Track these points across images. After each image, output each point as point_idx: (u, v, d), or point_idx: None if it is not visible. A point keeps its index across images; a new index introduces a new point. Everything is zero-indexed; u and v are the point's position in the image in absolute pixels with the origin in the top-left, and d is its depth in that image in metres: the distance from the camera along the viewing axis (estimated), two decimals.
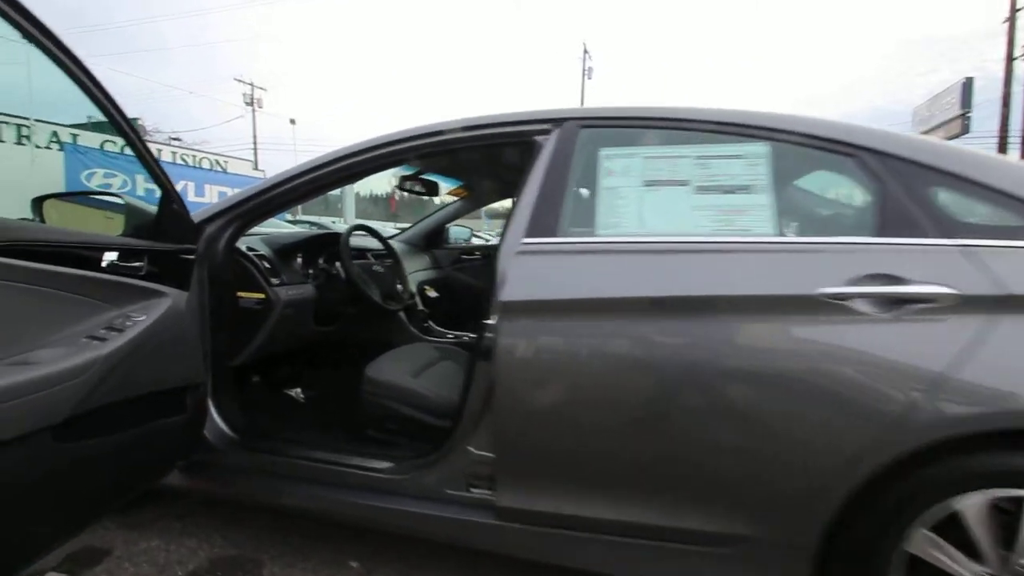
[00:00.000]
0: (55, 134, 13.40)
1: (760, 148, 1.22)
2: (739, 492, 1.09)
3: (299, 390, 2.06)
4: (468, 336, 2.25)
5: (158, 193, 1.30)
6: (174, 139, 20.51)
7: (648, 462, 1.13)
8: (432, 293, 2.53)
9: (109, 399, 1.06)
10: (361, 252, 2.14)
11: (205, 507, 1.75)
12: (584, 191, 1.32)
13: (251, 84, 24.81)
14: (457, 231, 2.99)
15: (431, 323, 2.32)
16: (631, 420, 1.13)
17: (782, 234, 1.15)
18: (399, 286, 2.16)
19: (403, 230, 2.86)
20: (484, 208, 3.01)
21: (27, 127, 12.90)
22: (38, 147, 12.94)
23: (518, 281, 1.20)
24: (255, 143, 24.63)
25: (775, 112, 1.25)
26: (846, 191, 1.29)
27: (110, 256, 1.15)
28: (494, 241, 3.06)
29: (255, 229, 1.79)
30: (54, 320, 1.00)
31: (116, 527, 1.63)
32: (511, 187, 2.74)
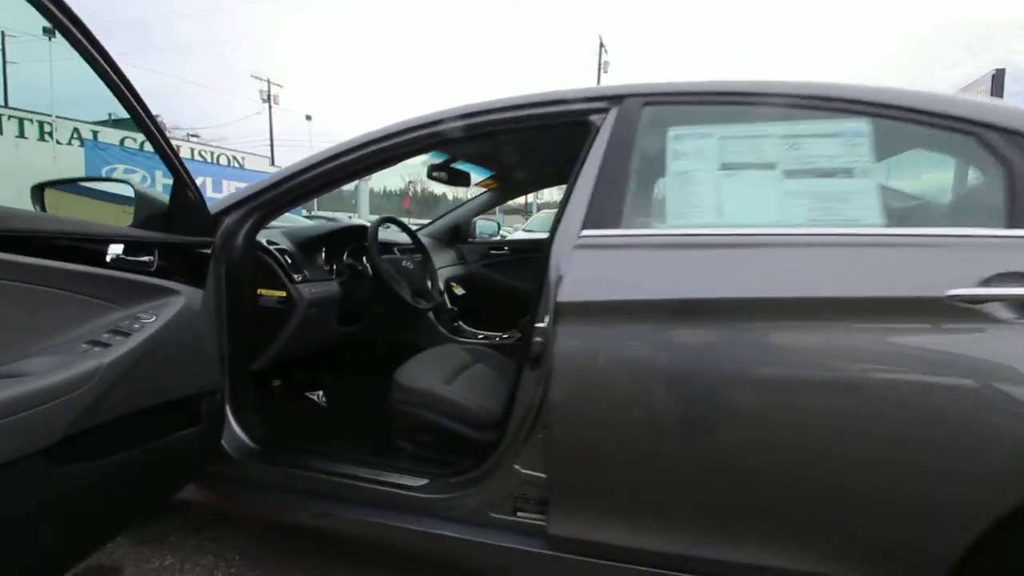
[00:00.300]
0: (76, 131, 13.56)
1: (861, 125, 1.04)
2: (852, 532, 0.92)
3: (321, 393, 1.93)
4: (500, 337, 2.09)
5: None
6: (192, 136, 20.66)
7: (738, 492, 0.97)
8: (459, 290, 2.38)
9: (114, 414, 0.92)
10: (387, 246, 2.00)
11: (222, 521, 1.62)
12: (651, 176, 1.15)
13: (268, 81, 24.89)
14: (484, 225, 2.84)
15: (461, 323, 2.17)
16: (713, 444, 0.96)
17: (895, 225, 0.97)
18: (429, 283, 2.00)
19: (425, 224, 2.71)
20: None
21: (49, 123, 13.06)
22: (59, 143, 13.10)
23: (578, 279, 1.04)
24: (272, 139, 24.72)
25: (878, 85, 1.08)
26: (966, 176, 1.11)
27: (115, 249, 1.01)
28: (516, 235, 2.90)
29: (273, 223, 1.66)
30: (48, 323, 0.86)
31: (126, 542, 1.51)
32: (548, 177, 2.61)
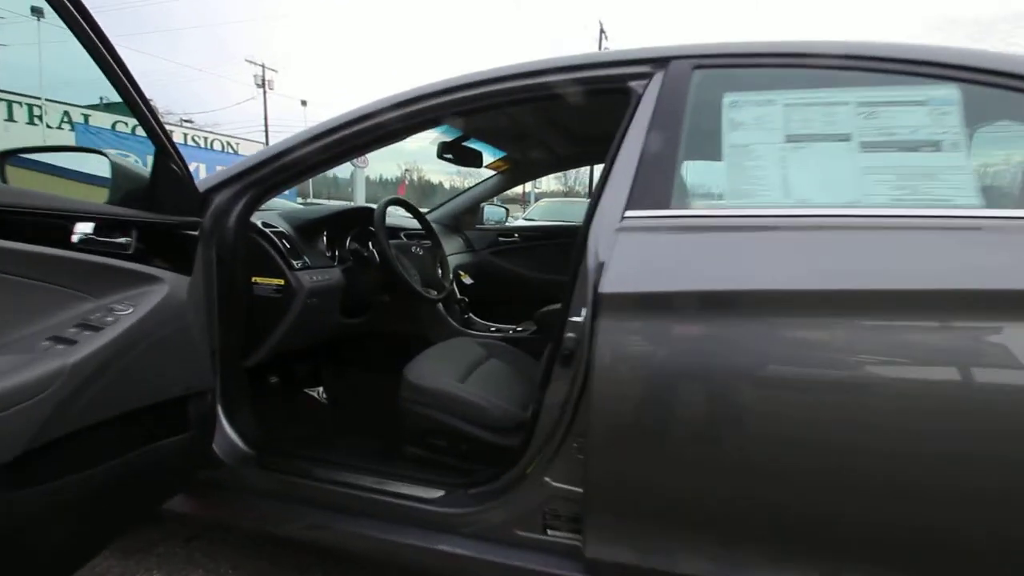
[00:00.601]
0: (67, 114, 13.29)
1: (950, 92, 0.90)
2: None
3: (321, 389, 1.79)
4: (514, 330, 1.95)
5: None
6: (186, 121, 20.31)
7: (810, 512, 0.84)
8: (467, 279, 2.24)
9: (83, 422, 0.78)
10: (393, 231, 1.85)
11: (214, 530, 1.48)
12: (705, 150, 1.01)
13: (262, 65, 24.47)
14: (492, 211, 2.68)
15: (472, 315, 2.02)
16: (796, 457, 0.83)
17: (999, 206, 0.83)
18: (439, 272, 1.85)
19: (429, 211, 2.55)
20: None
21: (39, 107, 12.77)
22: (49, 127, 12.83)
23: (624, 267, 0.89)
24: (266, 125, 24.35)
25: (969, 47, 0.93)
26: None
27: (84, 228, 0.86)
28: (518, 223, 2.75)
29: (266, 206, 1.51)
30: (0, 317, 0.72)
31: (109, 554, 1.38)
32: (568, 158, 2.44)
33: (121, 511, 0.95)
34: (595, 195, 1.02)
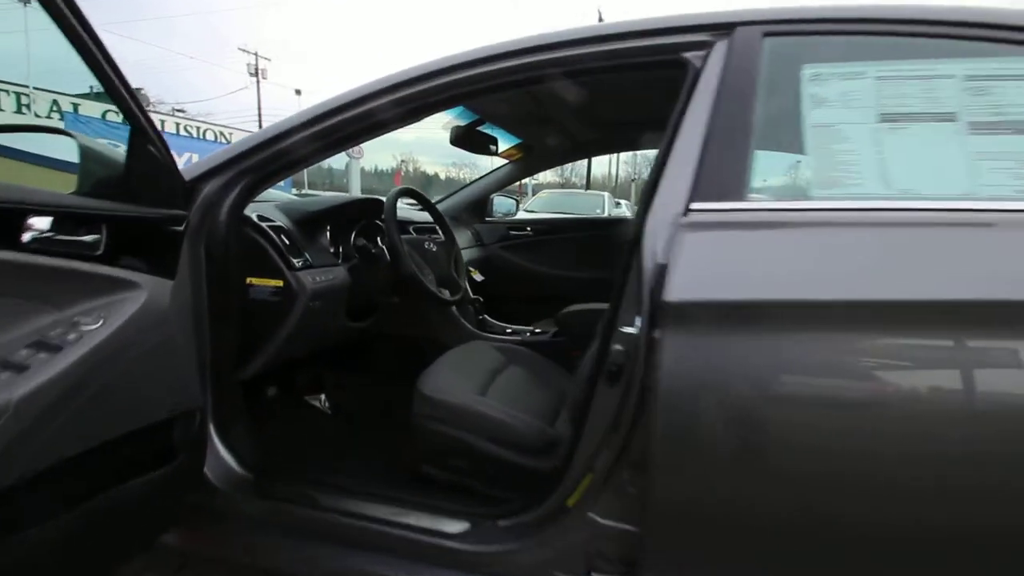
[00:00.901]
0: (55, 103, 13.02)
1: None
2: None
3: (323, 397, 1.64)
4: (532, 332, 1.80)
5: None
6: (178, 110, 19.95)
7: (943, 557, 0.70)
8: (478, 276, 2.09)
9: (38, 466, 0.63)
10: (402, 224, 1.70)
11: (207, 560, 1.34)
12: (782, 131, 0.86)
13: (255, 54, 24.08)
14: (501, 202, 2.53)
15: (487, 316, 1.87)
16: (911, 500, 0.69)
17: None
18: (454, 270, 1.70)
19: (438, 200, 2.39)
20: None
21: (27, 95, 12.48)
22: (38, 116, 12.55)
23: (694, 271, 0.75)
24: (260, 114, 24.00)
25: None
26: None
27: (40, 224, 0.71)
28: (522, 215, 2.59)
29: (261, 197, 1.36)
30: None
31: None
32: (598, 142, 2.28)
33: (95, 562, 0.80)
34: (648, 186, 0.87)
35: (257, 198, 1.23)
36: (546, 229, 2.43)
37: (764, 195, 0.82)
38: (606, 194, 9.56)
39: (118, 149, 0.92)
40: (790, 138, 0.84)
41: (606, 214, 8.06)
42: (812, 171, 0.80)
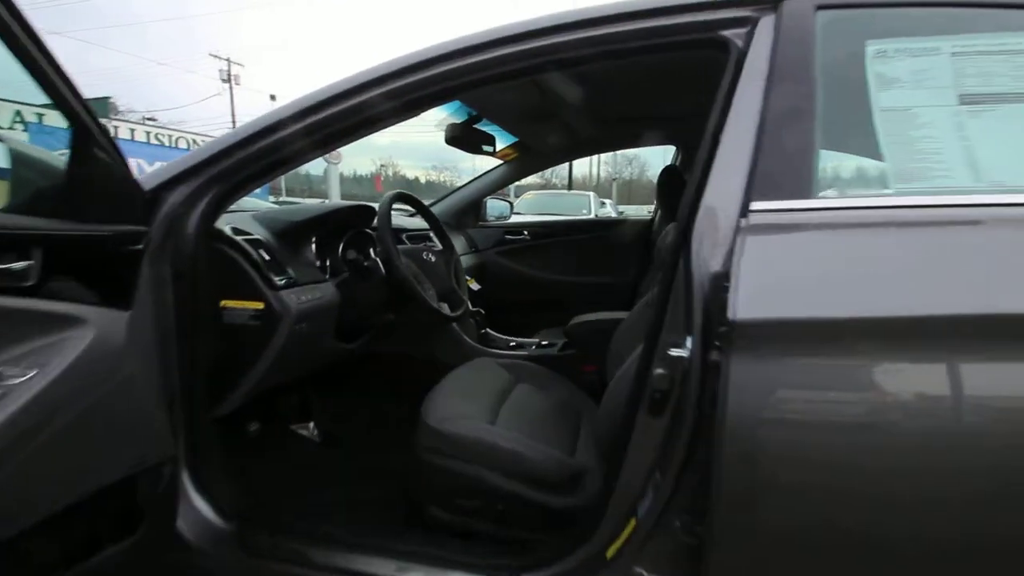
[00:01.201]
0: (19, 113, 12.57)
1: None
2: None
3: (312, 425, 1.49)
4: (537, 345, 1.67)
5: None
6: (149, 119, 19.38)
7: None
8: (474, 284, 1.95)
9: None
10: (394, 233, 1.56)
11: None
12: (846, 116, 0.75)
13: (227, 60, 23.56)
14: (495, 205, 2.40)
15: (489, 329, 1.74)
16: None
17: None
18: (455, 282, 1.55)
19: (430, 205, 2.25)
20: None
21: None
22: (0, 128, 12.08)
23: (765, 282, 0.63)
24: (234, 121, 23.49)
25: None
26: None
27: None
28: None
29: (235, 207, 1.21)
30: None
31: None
32: (592, 141, 2.15)
33: None
34: (694, 183, 0.75)
35: (231, 208, 1.09)
36: (543, 232, 2.31)
37: (835, 191, 0.71)
38: (591, 194, 9.48)
39: (59, 155, 0.77)
40: (857, 125, 0.72)
41: (592, 214, 7.98)
42: (888, 162, 0.69)
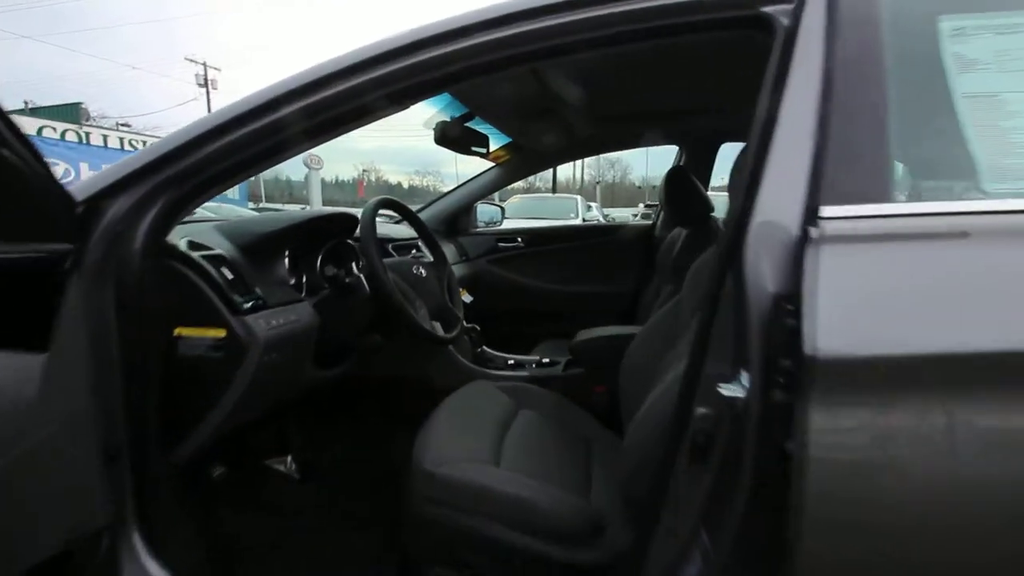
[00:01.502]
0: None
1: None
2: None
3: (289, 459, 1.34)
4: (538, 363, 1.54)
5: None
6: (123, 125, 18.87)
7: None
8: (467, 297, 1.81)
9: None
10: (380, 244, 1.41)
11: None
12: (923, 105, 0.63)
13: (204, 64, 23.10)
14: (485, 210, 2.26)
15: (485, 348, 1.59)
16: None
17: None
18: (448, 298, 1.40)
19: (417, 211, 2.10)
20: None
21: None
22: None
23: (851, 307, 0.50)
24: None
25: None
26: None
27: None
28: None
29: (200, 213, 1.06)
30: None
31: None
32: (592, 141, 2.02)
33: None
34: (741, 187, 0.63)
35: (189, 217, 0.94)
36: (538, 239, 2.18)
37: (918, 192, 0.59)
38: (578, 197, 9.38)
39: None
40: (937, 115, 0.61)
41: (580, 218, 7.88)
42: (982, 156, 0.57)
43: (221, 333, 0.86)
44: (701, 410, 0.62)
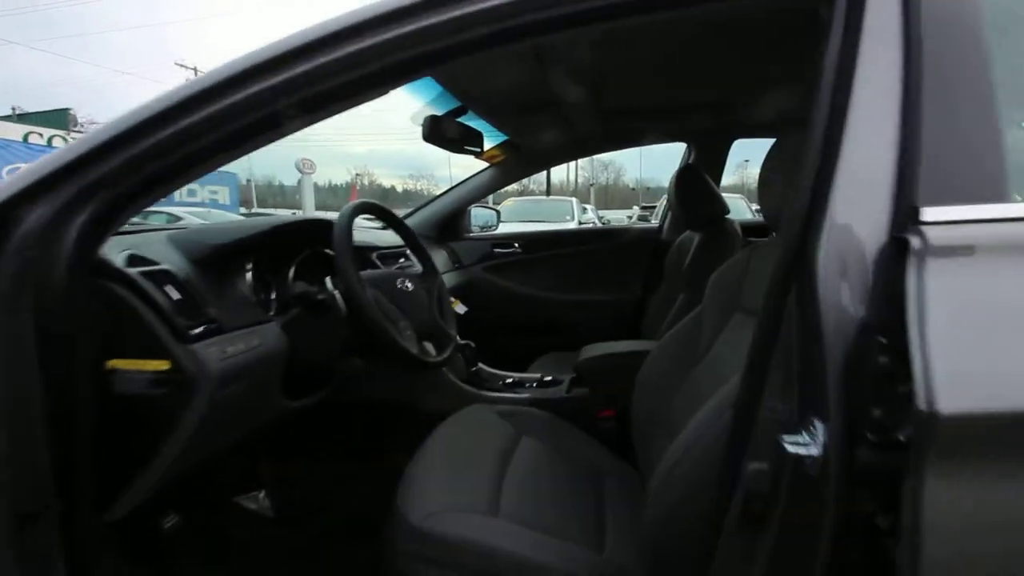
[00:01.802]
0: None
1: None
2: None
3: (262, 495, 1.19)
4: (537, 381, 1.40)
5: None
6: None
7: None
8: (460, 307, 1.67)
9: None
10: (361, 254, 1.27)
11: None
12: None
13: (194, 69, 22.89)
14: (480, 214, 2.13)
15: (481, 365, 1.45)
16: None
17: None
18: (439, 316, 1.24)
19: (406, 215, 1.96)
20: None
21: None
22: None
23: (975, 346, 0.37)
24: None
25: None
26: None
27: None
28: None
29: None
30: None
31: None
32: (594, 139, 1.88)
33: None
34: (806, 185, 0.49)
35: (128, 226, 0.81)
36: (536, 243, 2.05)
37: None
38: (573, 199, 9.26)
39: None
40: None
41: (576, 221, 7.76)
42: None
43: (164, 365, 0.72)
44: (755, 466, 0.49)
